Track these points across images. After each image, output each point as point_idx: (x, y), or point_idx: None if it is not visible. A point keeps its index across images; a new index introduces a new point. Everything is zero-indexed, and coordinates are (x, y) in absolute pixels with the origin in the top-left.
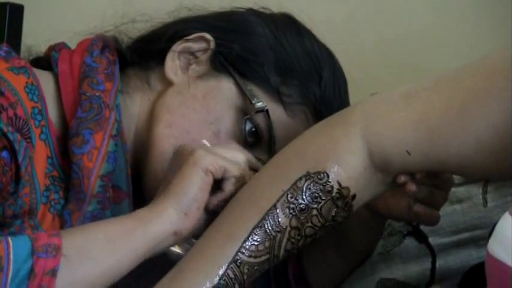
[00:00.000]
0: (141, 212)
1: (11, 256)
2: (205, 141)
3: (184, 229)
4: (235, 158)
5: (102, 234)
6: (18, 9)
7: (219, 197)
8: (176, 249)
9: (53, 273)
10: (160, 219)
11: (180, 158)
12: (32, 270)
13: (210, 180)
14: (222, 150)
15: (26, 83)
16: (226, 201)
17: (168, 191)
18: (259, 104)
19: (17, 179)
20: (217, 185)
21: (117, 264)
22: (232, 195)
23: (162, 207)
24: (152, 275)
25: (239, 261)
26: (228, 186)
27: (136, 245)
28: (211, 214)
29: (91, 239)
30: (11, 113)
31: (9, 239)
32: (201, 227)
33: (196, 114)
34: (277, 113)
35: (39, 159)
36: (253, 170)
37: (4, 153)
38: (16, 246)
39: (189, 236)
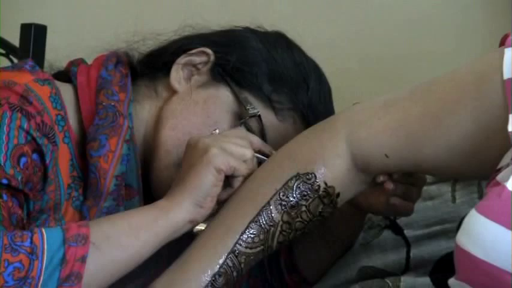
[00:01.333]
0: (162, 203)
1: (45, 246)
2: (217, 131)
3: (199, 218)
4: (244, 157)
5: (127, 223)
6: (42, 30)
7: (228, 191)
8: (201, 226)
9: (83, 259)
10: (179, 210)
11: (194, 152)
12: (64, 258)
13: (221, 177)
14: (231, 144)
15: (50, 93)
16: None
17: (184, 185)
18: (252, 110)
19: (44, 178)
20: (226, 179)
21: (141, 249)
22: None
23: (180, 199)
24: (159, 263)
25: (237, 251)
26: (237, 184)
27: (157, 231)
28: (221, 205)
29: (117, 227)
30: (38, 119)
31: (44, 230)
32: (212, 215)
33: (197, 118)
34: (268, 117)
35: (62, 160)
36: (261, 154)
37: (34, 156)
38: (49, 237)
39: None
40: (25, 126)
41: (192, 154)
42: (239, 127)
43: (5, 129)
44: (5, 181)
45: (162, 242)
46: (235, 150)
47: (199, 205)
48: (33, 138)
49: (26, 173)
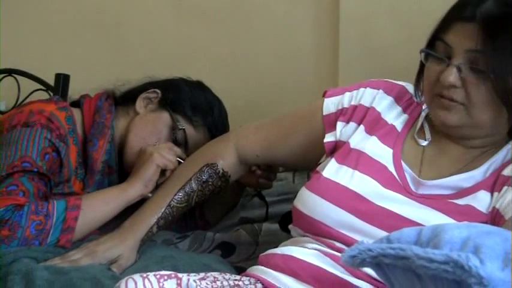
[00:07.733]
0: (123, 185)
1: (55, 211)
2: (157, 143)
3: (145, 193)
4: (171, 157)
5: (102, 196)
6: (67, 77)
7: (162, 179)
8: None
9: (76, 219)
10: (133, 189)
11: (144, 156)
12: (65, 218)
13: (159, 170)
14: (166, 150)
15: (65, 115)
16: (166, 179)
17: (138, 174)
18: (181, 126)
19: (61, 165)
20: (162, 171)
21: (109, 212)
22: (169, 176)
23: (134, 182)
24: (128, 213)
25: (171, 205)
26: (167, 174)
27: (119, 201)
28: (159, 185)
29: (96, 199)
30: (57, 132)
31: (55, 201)
32: (154, 190)
33: (149, 129)
34: (190, 130)
35: (72, 154)
36: (180, 158)
37: (54, 154)
38: (58, 205)
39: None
40: (49, 136)
41: (142, 156)
42: (169, 142)
43: (36, 139)
44: (35, 169)
45: (123, 207)
46: (167, 155)
47: (145, 185)
48: (53, 144)
49: (48, 164)
